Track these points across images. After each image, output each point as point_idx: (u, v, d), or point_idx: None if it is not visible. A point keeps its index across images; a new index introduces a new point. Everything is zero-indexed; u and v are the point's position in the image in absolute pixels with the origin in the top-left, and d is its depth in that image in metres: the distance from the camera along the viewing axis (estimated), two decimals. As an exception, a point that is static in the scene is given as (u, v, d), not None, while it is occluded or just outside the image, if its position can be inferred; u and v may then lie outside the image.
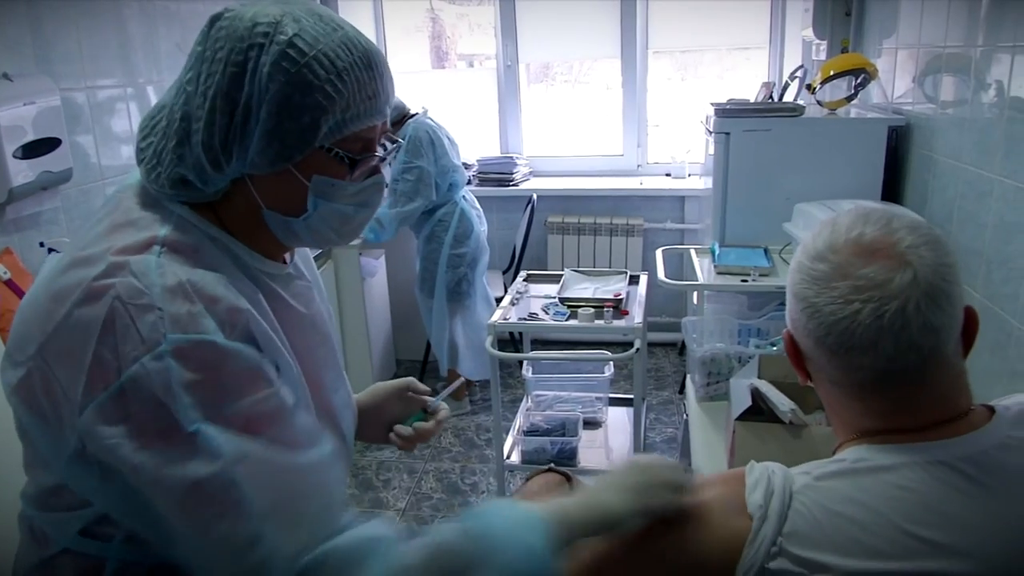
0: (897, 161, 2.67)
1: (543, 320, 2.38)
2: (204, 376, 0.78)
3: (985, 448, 0.83)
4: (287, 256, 1.03)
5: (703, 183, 3.73)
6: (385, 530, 0.84)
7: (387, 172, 3.82)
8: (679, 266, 3.55)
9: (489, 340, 2.37)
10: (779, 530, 0.81)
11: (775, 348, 2.27)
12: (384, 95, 0.90)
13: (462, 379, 0.97)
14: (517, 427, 2.68)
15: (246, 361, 0.82)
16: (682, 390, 3.75)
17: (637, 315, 2.38)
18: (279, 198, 0.90)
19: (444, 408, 1.26)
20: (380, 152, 0.94)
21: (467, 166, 4.18)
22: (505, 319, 2.44)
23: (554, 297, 2.49)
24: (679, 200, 4.31)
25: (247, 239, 0.93)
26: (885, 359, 0.81)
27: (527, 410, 2.75)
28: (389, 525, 0.86)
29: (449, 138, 3.55)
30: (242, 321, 0.83)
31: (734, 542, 0.83)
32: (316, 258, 3.24)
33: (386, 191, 3.25)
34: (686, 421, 2.60)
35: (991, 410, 0.88)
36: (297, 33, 0.84)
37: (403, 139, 3.42)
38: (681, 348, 4.33)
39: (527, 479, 1.15)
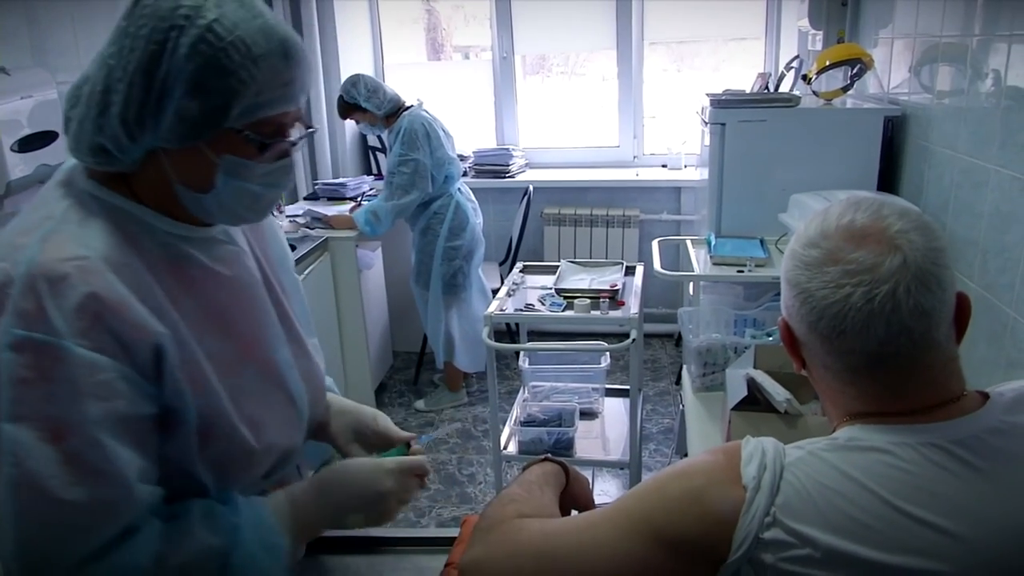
0: (893, 151, 2.67)
1: (539, 311, 2.37)
2: (34, 376, 0.81)
3: (977, 432, 0.83)
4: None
5: (699, 174, 3.73)
6: (144, 557, 0.87)
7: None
8: (675, 257, 3.55)
9: (486, 331, 2.37)
10: (772, 501, 0.81)
11: (771, 338, 2.27)
12: (299, 83, 0.94)
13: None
14: (514, 418, 2.68)
15: (89, 370, 0.84)
16: (679, 381, 3.75)
17: (633, 306, 2.38)
18: (190, 173, 0.94)
19: (420, 450, 1.27)
20: (293, 137, 0.98)
21: (463, 158, 4.18)
22: (501, 310, 2.43)
23: (550, 288, 2.49)
24: (675, 191, 4.30)
25: (164, 207, 0.97)
26: (876, 342, 0.82)
27: (524, 401, 2.75)
28: (151, 543, 0.88)
29: (444, 130, 3.54)
30: (114, 308, 0.86)
31: (731, 511, 0.83)
32: (311, 251, 3.26)
33: (382, 184, 3.24)
34: (682, 412, 2.60)
35: (985, 396, 0.89)
36: (217, 18, 0.88)
37: (398, 132, 3.41)
38: (678, 339, 4.33)
39: (524, 468, 1.15)
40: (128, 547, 0.86)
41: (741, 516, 0.82)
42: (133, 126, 0.89)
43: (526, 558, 0.91)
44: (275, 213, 3.57)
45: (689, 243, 2.81)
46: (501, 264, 4.15)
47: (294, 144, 0.99)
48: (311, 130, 1.02)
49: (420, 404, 3.86)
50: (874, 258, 0.82)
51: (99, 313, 0.85)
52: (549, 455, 1.16)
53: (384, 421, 1.27)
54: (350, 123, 3.96)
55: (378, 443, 1.25)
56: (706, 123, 2.91)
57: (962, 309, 0.87)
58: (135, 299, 0.88)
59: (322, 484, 1.05)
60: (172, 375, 0.91)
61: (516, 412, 2.73)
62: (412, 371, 4.18)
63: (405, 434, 1.25)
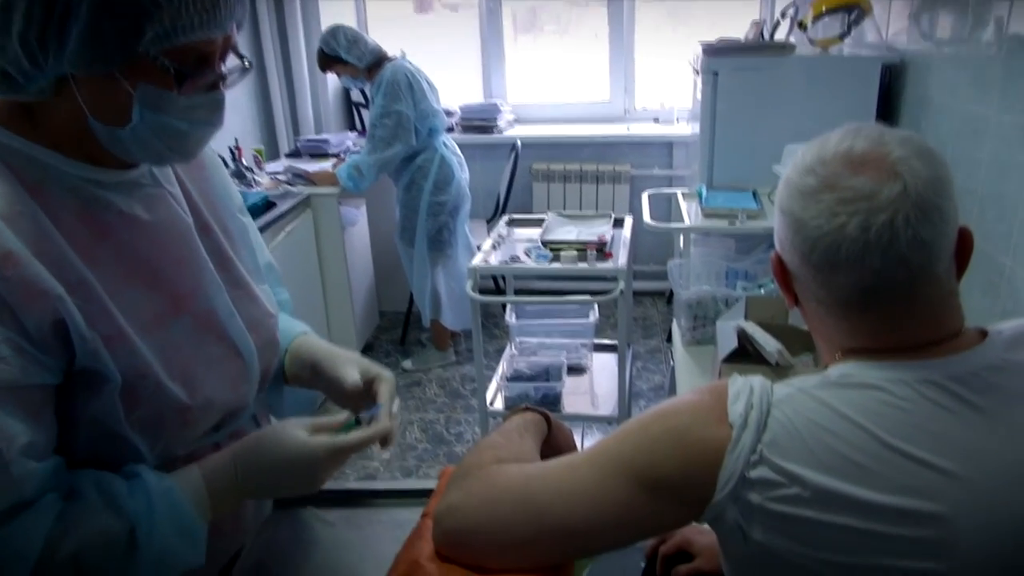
0: (891, 100, 2.63)
1: (525, 263, 2.33)
2: None
3: (975, 369, 0.81)
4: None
5: (691, 128, 3.69)
6: (29, 544, 0.81)
7: (367, 117, 3.77)
8: (666, 211, 3.52)
9: (470, 284, 2.33)
10: (758, 438, 0.79)
11: (763, 290, 2.24)
12: (225, 7, 0.85)
13: (383, 425, 0.87)
14: (500, 373, 2.66)
15: None
16: (669, 339, 3.74)
17: (621, 257, 2.35)
18: (103, 105, 0.85)
19: (384, 419, 1.05)
20: (222, 69, 0.89)
21: (449, 113, 4.12)
22: (486, 263, 2.39)
23: (536, 240, 2.45)
24: (667, 146, 4.27)
25: (76, 148, 0.88)
26: (872, 274, 0.79)
27: (510, 356, 2.73)
28: (36, 528, 0.81)
29: (428, 82, 3.46)
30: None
31: (715, 450, 0.81)
32: (293, 208, 3.21)
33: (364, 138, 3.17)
34: (673, 368, 2.59)
35: (984, 333, 0.86)
36: None
37: (379, 83, 3.33)
38: (669, 297, 4.32)
39: (504, 419, 1.12)
40: (11, 529, 0.79)
41: (727, 454, 0.80)
42: (36, 49, 0.81)
43: (504, 503, 0.89)
44: (255, 169, 3.54)
45: (680, 196, 2.79)
46: (489, 221, 4.10)
47: (223, 78, 0.90)
48: (245, 65, 0.93)
49: (407, 364, 3.84)
50: (872, 186, 0.78)
51: None
52: (529, 405, 1.13)
53: (352, 383, 1.08)
54: (332, 78, 3.88)
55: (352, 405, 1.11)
56: (698, 72, 2.86)
57: (964, 244, 0.84)
58: (29, 253, 0.80)
59: (239, 460, 0.95)
60: (80, 335, 0.83)
61: (502, 367, 2.71)
62: (399, 331, 4.14)
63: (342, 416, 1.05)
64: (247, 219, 1.18)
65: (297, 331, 1.20)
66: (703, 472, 0.81)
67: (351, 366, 1.10)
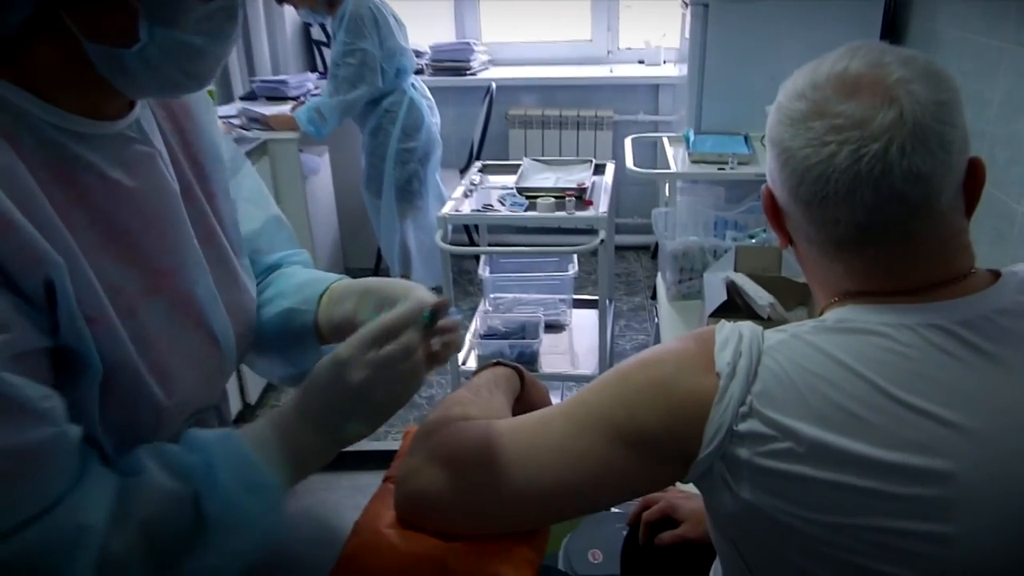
0: (895, 33, 2.61)
1: (499, 212, 2.29)
2: None
3: (986, 313, 0.78)
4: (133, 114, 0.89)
5: (679, 70, 3.64)
6: (93, 513, 0.73)
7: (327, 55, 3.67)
8: (651, 159, 3.48)
9: (439, 234, 2.30)
10: (748, 389, 0.78)
11: (754, 240, 2.22)
12: None
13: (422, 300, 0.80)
14: (473, 331, 2.63)
15: None
16: (654, 296, 3.74)
17: (602, 204, 2.31)
18: (103, 25, 0.77)
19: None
20: None
21: (419, 54, 4.04)
22: (458, 211, 2.35)
23: (511, 188, 2.40)
24: (653, 89, 4.22)
25: (58, 87, 0.79)
26: (864, 211, 0.77)
27: (484, 312, 2.71)
28: (101, 496, 0.74)
29: (395, 17, 3.37)
30: None
31: (701, 402, 0.79)
32: (248, 155, 3.13)
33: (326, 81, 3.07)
34: (657, 326, 2.57)
35: (996, 275, 0.84)
36: None
37: (342, 18, 3.24)
38: (654, 251, 4.31)
39: (474, 373, 1.09)
40: (70, 503, 0.72)
41: (713, 406, 0.78)
42: None
43: (469, 463, 0.87)
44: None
45: (666, 141, 2.77)
46: (462, 171, 4.03)
47: None
48: None
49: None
50: (865, 111, 0.76)
51: None
52: (501, 360, 1.10)
53: (419, 293, 0.95)
54: (290, 12, 3.77)
55: None
56: (687, 4, 2.81)
57: (974, 175, 0.81)
58: (18, 213, 0.71)
59: (300, 399, 0.85)
60: (68, 311, 0.75)
61: (476, 324, 2.70)
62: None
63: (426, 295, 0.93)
64: (244, 167, 1.11)
65: (332, 278, 1.11)
66: (688, 426, 0.79)
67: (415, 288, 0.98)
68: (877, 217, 0.78)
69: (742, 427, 0.77)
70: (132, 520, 0.74)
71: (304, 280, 1.11)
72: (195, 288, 0.92)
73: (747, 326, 0.83)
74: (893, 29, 2.59)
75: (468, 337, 2.66)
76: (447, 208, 2.39)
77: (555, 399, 1.09)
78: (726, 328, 0.83)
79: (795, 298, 1.87)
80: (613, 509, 1.40)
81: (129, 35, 0.77)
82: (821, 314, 0.86)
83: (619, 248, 4.30)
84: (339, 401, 0.83)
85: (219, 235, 0.99)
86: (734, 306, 1.85)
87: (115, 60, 0.78)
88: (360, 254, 4.20)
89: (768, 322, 1.78)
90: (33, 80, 0.78)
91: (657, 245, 3.20)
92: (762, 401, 0.77)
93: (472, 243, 3.91)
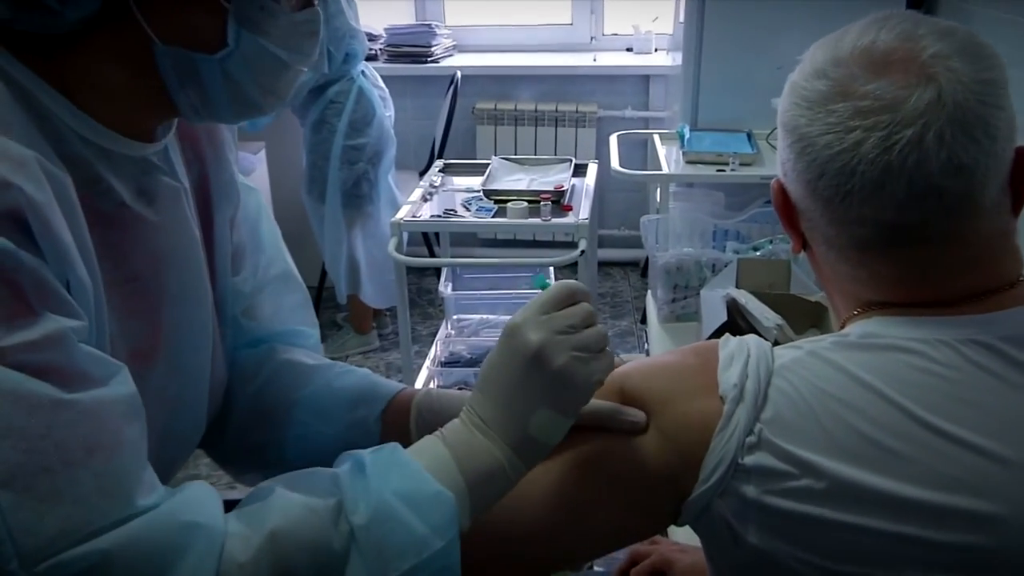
0: (923, 10, 2.63)
1: (463, 217, 2.29)
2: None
3: None
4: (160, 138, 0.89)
5: (672, 59, 3.67)
6: (207, 513, 0.72)
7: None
8: (640, 158, 3.50)
9: (393, 243, 2.29)
10: (756, 415, 0.77)
11: (759, 252, 2.22)
12: None
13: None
14: (433, 356, 2.65)
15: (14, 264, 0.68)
16: (644, 320, 3.77)
17: (583, 210, 2.32)
18: (185, 26, 0.78)
19: None
20: None
21: (372, 37, 4.05)
22: (414, 217, 2.35)
23: (477, 191, 2.41)
24: (642, 81, 4.27)
25: (94, 100, 0.79)
26: (894, 208, 0.77)
27: (446, 337, 2.73)
28: (210, 501, 0.73)
29: (345, -7, 3.38)
30: (13, 203, 0.68)
31: (699, 429, 0.78)
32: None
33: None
34: (647, 353, 2.56)
35: None
36: None
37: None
38: (643, 268, 4.32)
39: None
40: (171, 505, 0.70)
41: (715, 435, 0.78)
42: None
43: None
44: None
45: (657, 139, 2.80)
46: (422, 174, 4.02)
47: None
48: None
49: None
50: (896, 91, 0.75)
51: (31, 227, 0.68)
52: (464, 387, 1.08)
53: None
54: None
55: None
56: (682, -17, 2.84)
57: (1021, 166, 0.80)
58: (65, 228, 0.72)
59: (468, 402, 0.82)
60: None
61: (436, 350, 2.71)
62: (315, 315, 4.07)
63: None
64: (263, 213, 1.12)
65: (395, 389, 1.09)
66: (684, 458, 0.79)
67: None
68: (910, 216, 0.77)
69: (749, 460, 0.76)
70: (257, 530, 0.71)
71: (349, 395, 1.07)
72: (197, 356, 0.94)
73: (754, 340, 0.82)
74: (920, 4, 2.63)
75: (426, 364, 2.66)
76: (402, 213, 2.39)
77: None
78: (732, 343, 0.83)
79: (807, 319, 1.87)
80: (595, 566, 1.37)
81: (215, 39, 0.79)
82: (842, 327, 0.85)
83: (604, 264, 4.32)
84: (511, 361, 0.79)
85: (219, 290, 1.01)
86: (736, 328, 1.84)
87: (190, 68, 0.80)
88: (299, 268, 4.14)
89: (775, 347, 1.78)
90: (69, 82, 0.78)
91: (647, 260, 3.21)
92: (774, 430, 0.76)
93: (432, 255, 3.89)
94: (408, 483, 0.75)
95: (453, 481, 0.77)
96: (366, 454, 0.78)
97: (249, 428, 1.08)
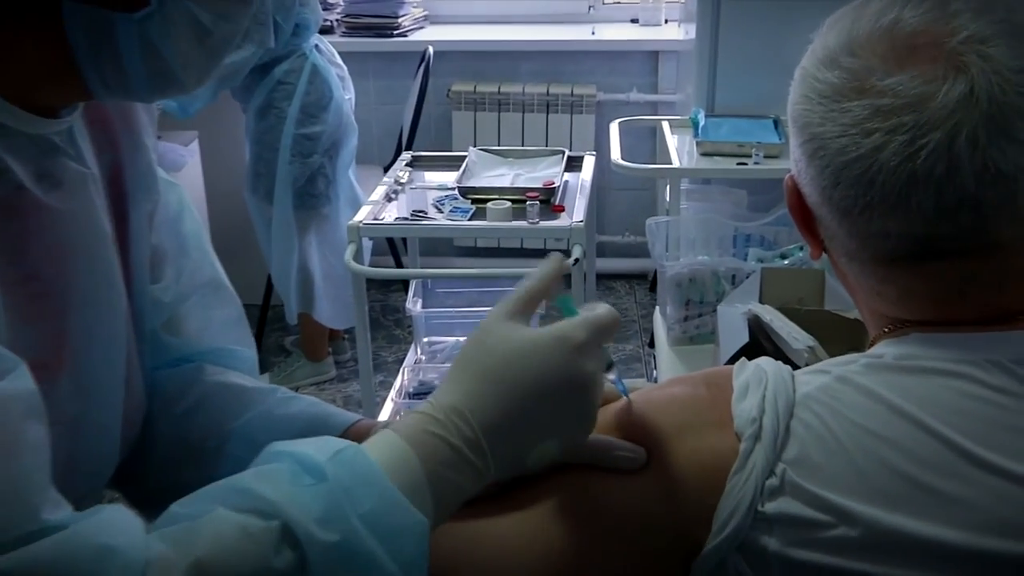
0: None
1: (434, 220, 2.29)
2: None
3: None
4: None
5: (685, 33, 3.69)
6: (124, 536, 0.71)
7: None
8: (648, 150, 3.51)
9: (350, 250, 2.29)
10: (778, 454, 0.78)
11: (787, 261, 2.24)
12: None
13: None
14: (400, 387, 2.66)
15: None
16: (652, 343, 3.78)
17: (578, 211, 2.33)
18: None
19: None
20: None
21: (327, 6, 4.09)
22: (377, 219, 2.36)
23: (452, 188, 2.43)
24: (650, 58, 4.31)
25: None
26: (923, 222, 0.78)
27: (415, 363, 2.74)
28: (129, 524, 0.72)
29: (295, -46, 3.40)
30: None
31: (712, 471, 0.79)
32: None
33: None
34: (656, 380, 2.57)
35: None
36: None
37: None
38: (652, 281, 4.33)
39: None
40: (87, 526, 0.69)
41: (730, 477, 0.78)
42: None
43: None
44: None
45: (667, 126, 2.82)
46: (387, 168, 4.04)
47: None
48: None
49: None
50: (921, 87, 0.76)
51: None
52: None
53: None
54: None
55: None
56: (695, -58, 2.87)
57: None
58: None
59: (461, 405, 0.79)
60: None
61: (403, 379, 2.71)
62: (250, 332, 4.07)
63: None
64: (187, 210, 1.14)
65: (350, 419, 1.10)
66: (692, 504, 0.80)
67: None
68: (939, 230, 0.78)
69: (771, 507, 0.77)
70: (183, 555, 0.69)
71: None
72: (110, 368, 0.95)
73: (771, 366, 0.83)
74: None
75: (391, 396, 2.66)
76: (362, 215, 2.40)
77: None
78: (748, 369, 0.84)
79: (844, 340, 1.87)
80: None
81: None
82: (871, 345, 0.87)
83: (604, 277, 4.33)
84: (539, 398, 0.78)
85: (135, 290, 1.02)
86: (759, 351, 1.85)
87: (103, 29, 0.80)
88: (241, 283, 4.15)
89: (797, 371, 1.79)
90: None
91: (656, 272, 3.22)
92: (798, 470, 0.77)
93: (399, 265, 3.90)
94: (380, 505, 0.73)
95: (423, 503, 0.74)
96: (321, 458, 0.74)
97: (173, 464, 1.08)
